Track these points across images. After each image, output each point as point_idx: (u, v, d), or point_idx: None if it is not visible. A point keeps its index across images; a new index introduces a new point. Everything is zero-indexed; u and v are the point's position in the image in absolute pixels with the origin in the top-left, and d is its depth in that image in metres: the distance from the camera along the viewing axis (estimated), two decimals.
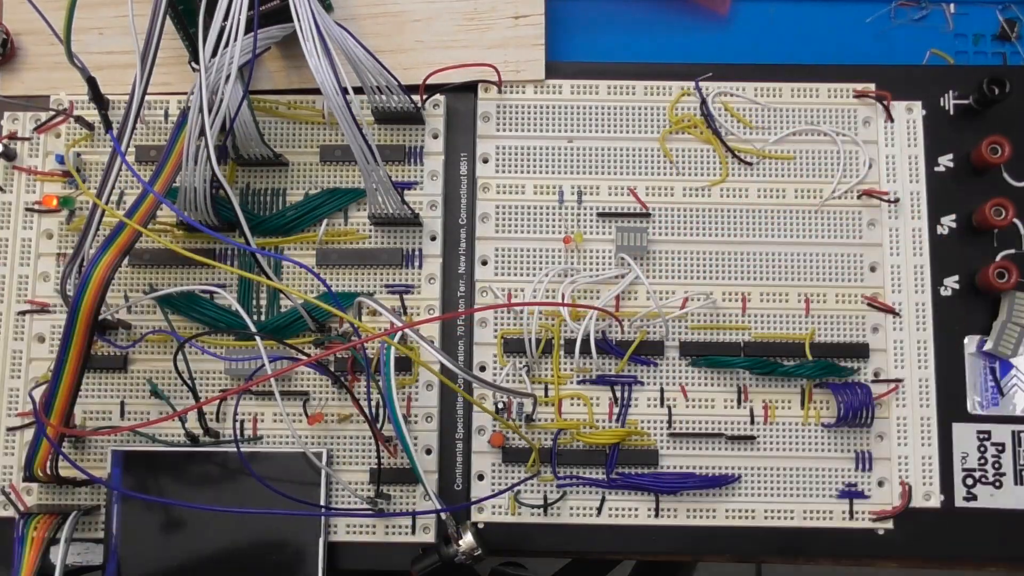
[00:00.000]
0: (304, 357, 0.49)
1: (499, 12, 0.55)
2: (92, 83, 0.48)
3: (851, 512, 0.50)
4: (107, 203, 0.47)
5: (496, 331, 0.52)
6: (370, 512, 0.49)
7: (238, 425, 0.51)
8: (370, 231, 0.53)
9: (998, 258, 0.52)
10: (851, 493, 0.50)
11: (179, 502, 0.48)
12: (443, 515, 0.48)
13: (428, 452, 0.51)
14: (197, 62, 0.45)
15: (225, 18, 0.45)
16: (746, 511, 0.50)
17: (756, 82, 0.54)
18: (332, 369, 0.50)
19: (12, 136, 0.53)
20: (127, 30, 0.46)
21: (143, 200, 0.45)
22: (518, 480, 0.50)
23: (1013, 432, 0.51)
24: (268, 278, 0.49)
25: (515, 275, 0.52)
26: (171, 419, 0.47)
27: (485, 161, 0.53)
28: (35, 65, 0.55)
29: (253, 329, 0.50)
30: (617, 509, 0.50)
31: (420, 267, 0.52)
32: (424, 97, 0.53)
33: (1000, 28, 0.56)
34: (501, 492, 0.50)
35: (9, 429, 0.51)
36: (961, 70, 0.55)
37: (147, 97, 0.53)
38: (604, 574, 0.71)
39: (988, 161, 0.51)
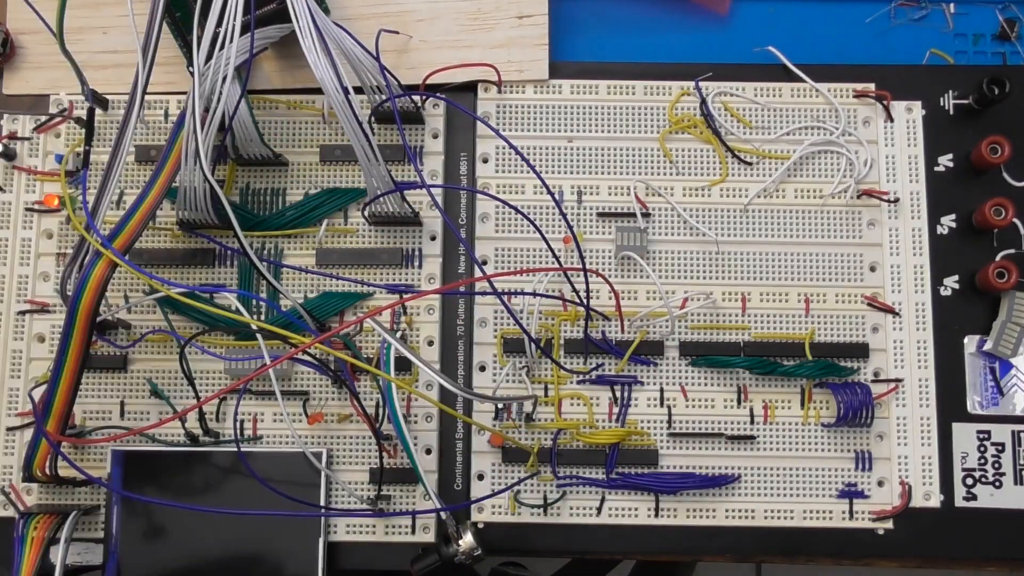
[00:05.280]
0: (304, 352, 0.49)
1: (503, 12, 0.55)
2: (84, 85, 0.48)
3: (851, 512, 0.50)
4: (106, 204, 0.47)
5: (496, 331, 0.52)
6: (370, 512, 0.49)
7: (238, 425, 0.51)
8: (370, 231, 0.53)
9: (998, 258, 0.52)
10: (851, 493, 0.50)
11: (178, 504, 0.48)
12: (443, 515, 0.48)
13: (428, 452, 0.51)
14: (193, 67, 0.45)
15: (219, 24, 0.45)
16: (746, 511, 0.50)
17: (756, 82, 0.54)
18: (332, 368, 0.50)
19: (12, 136, 0.53)
20: (128, 30, 0.46)
21: (130, 216, 0.45)
22: (518, 479, 0.50)
23: (1013, 432, 0.51)
24: (266, 278, 0.49)
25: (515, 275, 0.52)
26: (172, 420, 0.47)
27: (485, 161, 0.53)
28: (36, 65, 0.55)
29: (255, 327, 0.50)
30: (617, 509, 0.50)
31: (420, 267, 0.52)
32: (424, 97, 0.53)
33: (1000, 28, 0.56)
34: (498, 492, 0.50)
35: (9, 429, 0.51)
36: (961, 70, 0.55)
37: (148, 97, 0.53)
38: (604, 574, 0.71)
39: (988, 161, 0.51)
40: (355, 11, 0.54)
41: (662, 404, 0.51)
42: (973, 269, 0.52)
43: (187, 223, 0.50)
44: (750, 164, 0.53)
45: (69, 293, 0.48)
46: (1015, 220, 0.52)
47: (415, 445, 0.50)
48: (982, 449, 0.51)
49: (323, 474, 0.49)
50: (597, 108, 0.54)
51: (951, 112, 0.54)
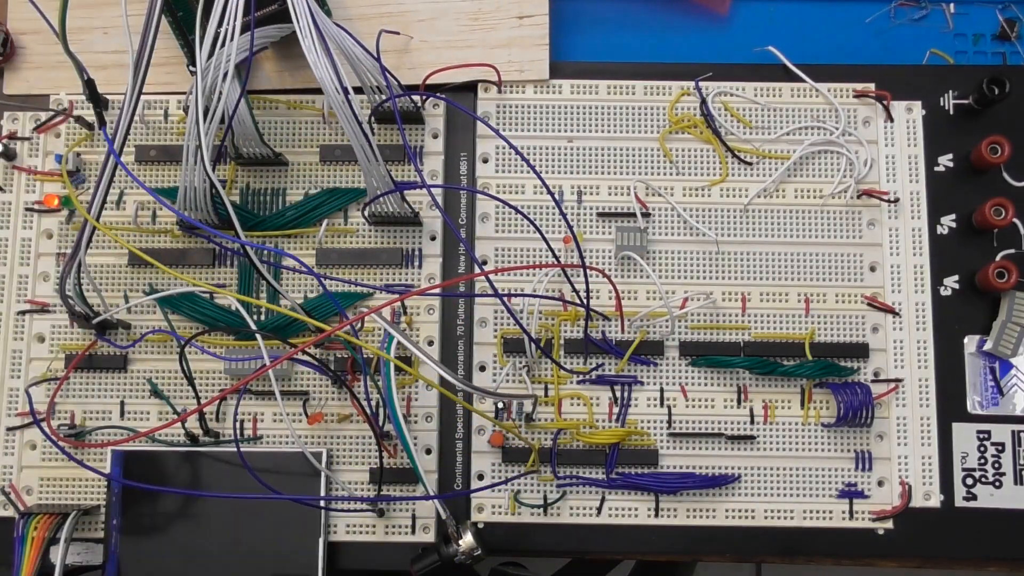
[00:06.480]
0: (306, 353, 0.49)
1: (503, 12, 0.55)
2: (91, 84, 0.48)
3: (851, 512, 0.50)
4: (104, 203, 0.47)
5: (496, 331, 0.52)
6: (368, 500, 0.50)
7: (238, 425, 0.51)
8: (370, 231, 0.53)
9: (998, 258, 0.52)
10: (851, 493, 0.50)
11: (180, 490, 0.48)
12: (443, 514, 0.48)
13: (428, 452, 0.51)
14: (194, 66, 0.45)
15: (220, 24, 0.45)
16: (746, 511, 0.50)
17: (756, 82, 0.54)
18: (332, 368, 0.50)
19: (12, 136, 0.53)
20: (131, 29, 0.46)
21: None
22: (518, 474, 0.50)
23: (1013, 432, 0.51)
24: (264, 277, 0.49)
25: (515, 274, 0.52)
26: (175, 423, 0.47)
27: (485, 161, 0.53)
28: (36, 64, 0.55)
29: (253, 327, 0.50)
30: (617, 509, 0.50)
31: (420, 267, 0.52)
32: (424, 97, 0.53)
33: (1000, 28, 0.56)
34: (496, 484, 0.50)
35: (9, 429, 0.51)
36: (961, 70, 0.55)
37: (147, 97, 0.53)
38: (604, 574, 0.71)
39: (988, 161, 0.51)
40: (356, 11, 0.54)
41: (662, 404, 0.51)
42: (973, 269, 0.52)
43: (185, 224, 0.50)
44: (750, 164, 0.53)
45: (68, 293, 0.48)
46: (1015, 220, 0.52)
47: (415, 445, 0.50)
48: (982, 449, 0.51)
49: (323, 474, 0.49)
50: (597, 108, 0.54)
51: (951, 112, 0.54)
